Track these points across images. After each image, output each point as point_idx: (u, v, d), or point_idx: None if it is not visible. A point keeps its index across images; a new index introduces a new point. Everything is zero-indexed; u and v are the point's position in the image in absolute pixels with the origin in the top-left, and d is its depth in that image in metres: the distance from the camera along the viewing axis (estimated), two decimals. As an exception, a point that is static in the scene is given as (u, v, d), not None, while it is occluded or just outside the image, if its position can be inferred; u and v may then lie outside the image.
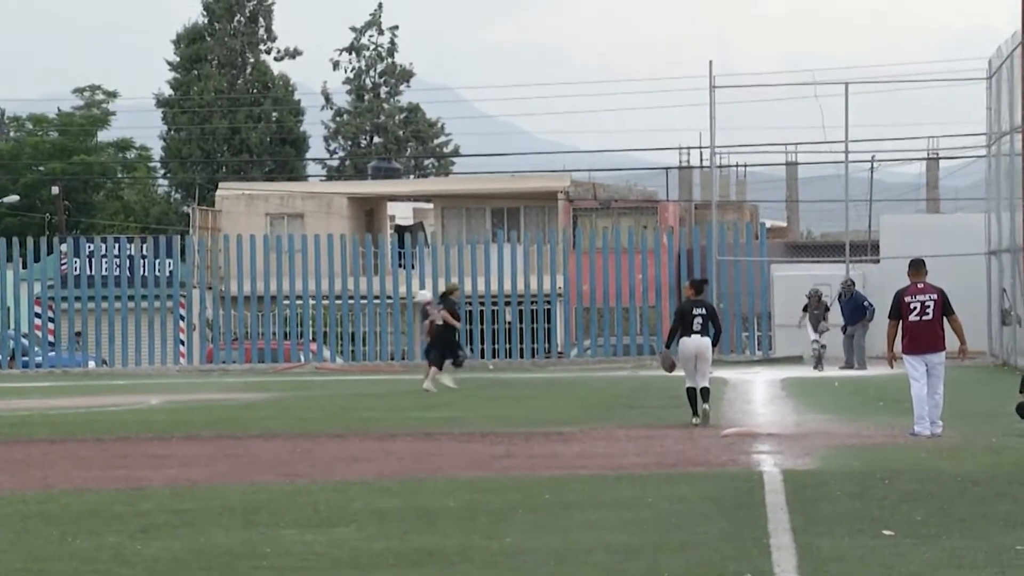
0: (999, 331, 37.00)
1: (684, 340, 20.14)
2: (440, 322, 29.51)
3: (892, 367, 18.99)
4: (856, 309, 35.73)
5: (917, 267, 18.19)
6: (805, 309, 36.08)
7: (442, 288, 35.51)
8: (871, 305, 35.41)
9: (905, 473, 14.73)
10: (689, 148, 65.81)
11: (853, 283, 36.76)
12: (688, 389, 20.35)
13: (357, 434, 20.44)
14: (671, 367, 21.08)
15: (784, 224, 67.12)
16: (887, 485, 13.84)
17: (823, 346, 35.62)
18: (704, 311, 20.26)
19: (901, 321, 17.97)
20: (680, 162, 65.08)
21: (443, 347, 29.75)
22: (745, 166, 66.30)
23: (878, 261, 41.23)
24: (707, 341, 20.10)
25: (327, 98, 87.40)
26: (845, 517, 11.85)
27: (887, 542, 10.64)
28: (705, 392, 20.20)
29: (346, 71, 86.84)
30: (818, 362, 35.63)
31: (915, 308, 17.79)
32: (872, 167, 55.08)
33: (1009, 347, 35.20)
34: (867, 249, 44.12)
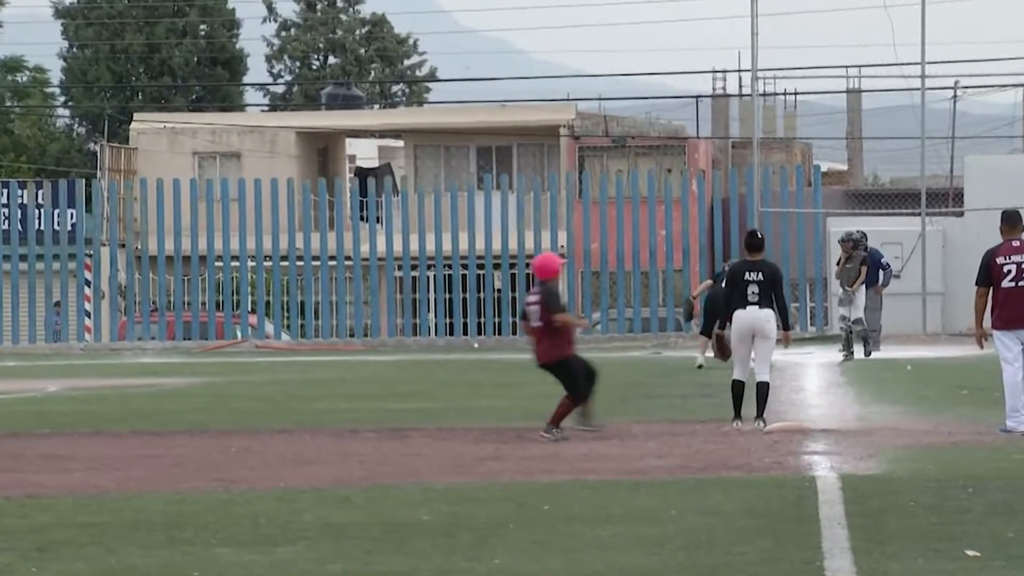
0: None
1: (736, 314, 19.25)
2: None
3: (981, 347, 18.94)
4: (871, 270, 34.28)
5: (1013, 221, 18.10)
6: (838, 263, 34.29)
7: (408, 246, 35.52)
8: (889, 266, 34.98)
9: (994, 480, 14.79)
10: (725, 72, 65.86)
11: (865, 236, 35.67)
12: (734, 383, 19.51)
13: (308, 430, 20.51)
14: (727, 355, 20.46)
15: (844, 167, 67.15)
16: (971, 495, 13.89)
17: (852, 322, 33.47)
18: (761, 276, 19.25)
19: (992, 289, 17.90)
20: (714, 89, 65.08)
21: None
22: (795, 94, 66.24)
23: (961, 214, 41.32)
24: (767, 313, 19.15)
25: (269, 8, 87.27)
26: (918, 534, 11.89)
27: (970, 565, 10.67)
28: (763, 390, 19.29)
29: None
30: (846, 345, 33.51)
31: (1010, 272, 17.70)
32: (955, 96, 55.09)
33: None
34: (948, 199, 44.19)
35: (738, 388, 19.40)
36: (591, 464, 16.64)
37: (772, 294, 19.21)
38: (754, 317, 19.08)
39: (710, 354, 28.72)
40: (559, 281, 18.72)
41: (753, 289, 19.11)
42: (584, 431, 19.08)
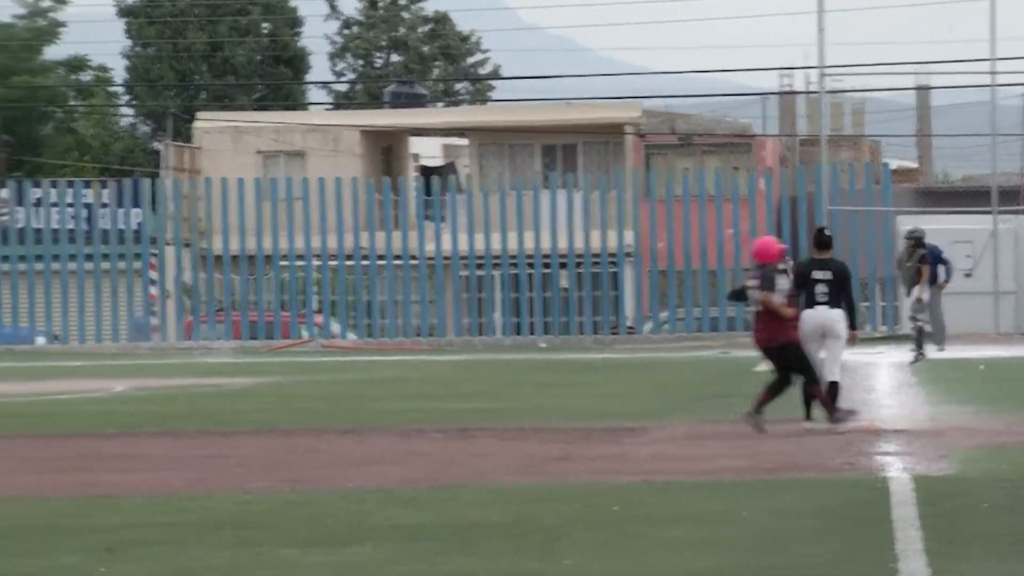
0: None
1: (805, 314, 19.12)
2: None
3: None
4: (935, 267, 33.97)
5: None
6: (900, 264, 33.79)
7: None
8: (948, 262, 34.63)
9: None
10: (792, 69, 65.57)
11: (923, 233, 34.93)
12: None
13: (374, 429, 20.54)
14: None
15: (914, 165, 66.84)
16: (1046, 496, 13.82)
17: (909, 319, 33.30)
18: (830, 274, 19.20)
19: None
20: (781, 87, 64.84)
21: None
22: (864, 92, 65.96)
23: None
24: (837, 313, 19.09)
25: (332, 6, 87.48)
26: (992, 536, 11.84)
27: (1046, 567, 10.63)
28: (834, 390, 19.22)
29: None
30: (917, 347, 32.88)
31: None
32: None
33: None
34: (1020, 196, 43.91)
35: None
36: (660, 465, 16.62)
37: (841, 293, 19.14)
38: (824, 317, 19.03)
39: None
40: (778, 265, 18.26)
41: (822, 288, 19.05)
42: (749, 422, 18.91)
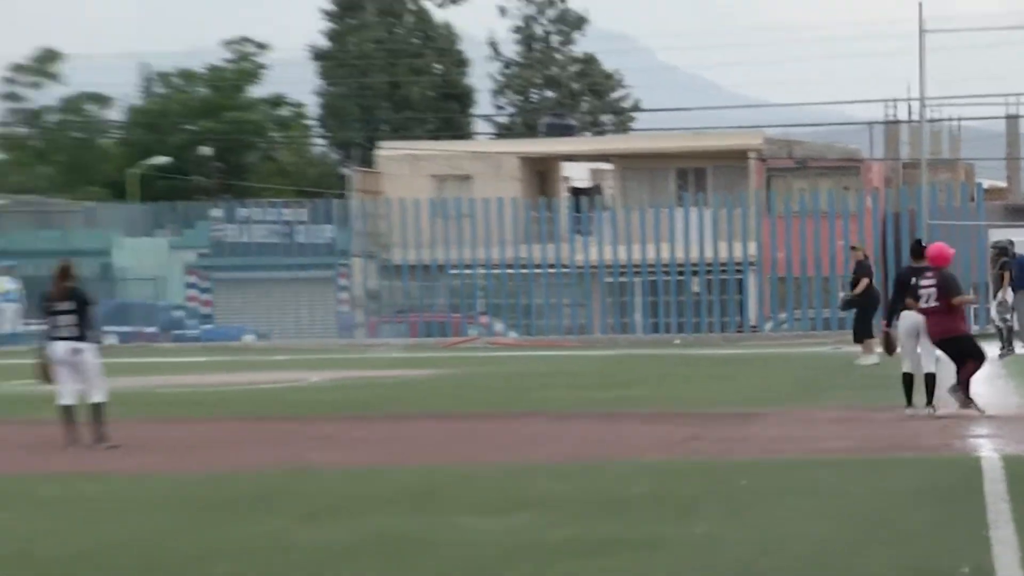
0: None
1: (904, 314, 19.04)
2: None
3: None
4: (1019, 274, 32.78)
5: None
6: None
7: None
8: None
9: None
10: (896, 100, 65.41)
11: (1012, 243, 33.71)
12: (904, 375, 19.25)
13: (534, 414, 20.61)
14: (893, 349, 19.87)
15: (1004, 184, 65.86)
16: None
17: (1003, 320, 32.20)
18: (933, 281, 18.87)
19: None
20: (886, 116, 64.14)
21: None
22: (959, 120, 65.23)
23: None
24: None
25: (494, 48, 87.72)
26: (1072, 508, 11.71)
27: (1120, 536, 10.51)
28: (930, 381, 19.00)
29: (514, 18, 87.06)
30: (1005, 343, 31.96)
31: None
32: None
33: None
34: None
35: (907, 379, 19.18)
36: (779, 445, 16.58)
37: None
38: (919, 317, 18.85)
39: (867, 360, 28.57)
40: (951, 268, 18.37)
41: (925, 293, 18.87)
42: (957, 399, 18.76)
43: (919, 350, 19.06)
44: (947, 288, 18.72)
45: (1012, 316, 32.31)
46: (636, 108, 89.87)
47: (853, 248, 32.44)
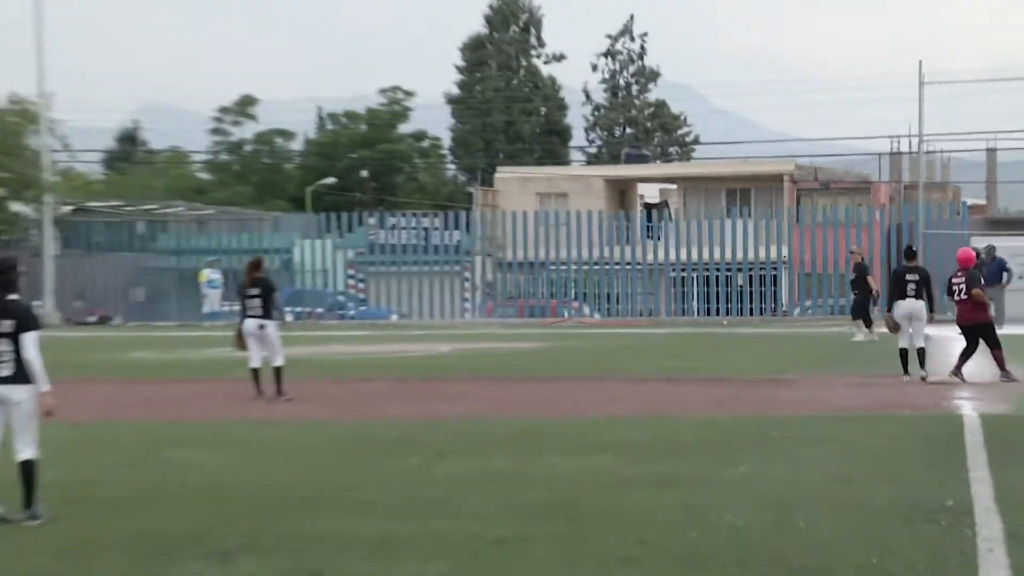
0: None
1: (898, 303, 18.95)
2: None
3: None
4: (995, 271, 32.57)
5: None
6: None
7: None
8: (1010, 269, 33.53)
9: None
10: (899, 136, 64.38)
11: (994, 248, 34.19)
12: (900, 349, 19.16)
13: (612, 378, 20.54)
14: (895, 327, 19.45)
15: (984, 202, 64.83)
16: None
17: None
18: (917, 276, 18.98)
19: None
20: (891, 149, 63.25)
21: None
22: (950, 152, 64.17)
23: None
24: (920, 304, 18.81)
25: (587, 95, 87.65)
26: (1036, 457, 11.49)
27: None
28: (921, 354, 18.90)
29: (603, 72, 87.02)
30: None
31: None
32: None
33: None
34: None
35: (903, 354, 19.12)
36: (804, 404, 16.40)
37: (924, 289, 18.96)
38: (911, 305, 18.88)
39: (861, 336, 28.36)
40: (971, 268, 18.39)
41: (911, 286, 18.92)
42: (1005, 378, 18.37)
43: (911, 331, 18.97)
44: (972, 283, 18.66)
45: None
46: (696, 142, 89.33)
47: (852, 252, 32.31)
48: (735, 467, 11.06)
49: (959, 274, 18.83)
